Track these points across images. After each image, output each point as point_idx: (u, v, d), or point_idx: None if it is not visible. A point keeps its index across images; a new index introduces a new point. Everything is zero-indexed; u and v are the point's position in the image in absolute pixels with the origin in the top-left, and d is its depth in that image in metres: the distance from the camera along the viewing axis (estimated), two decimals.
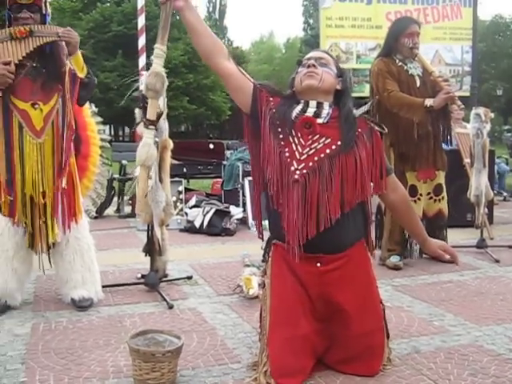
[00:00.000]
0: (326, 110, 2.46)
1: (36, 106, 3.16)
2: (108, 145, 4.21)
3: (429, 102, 4.10)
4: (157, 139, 3.44)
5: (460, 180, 5.54)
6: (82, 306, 3.30)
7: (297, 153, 2.38)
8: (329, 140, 2.39)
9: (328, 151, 2.37)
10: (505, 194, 8.73)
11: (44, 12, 3.24)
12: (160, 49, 2.99)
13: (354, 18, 9.25)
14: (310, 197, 2.32)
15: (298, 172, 2.35)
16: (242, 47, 51.55)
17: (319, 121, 2.43)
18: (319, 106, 2.45)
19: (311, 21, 43.73)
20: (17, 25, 3.16)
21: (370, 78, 4.45)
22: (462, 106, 4.24)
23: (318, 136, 2.40)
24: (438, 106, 4.11)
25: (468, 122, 5.03)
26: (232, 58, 2.52)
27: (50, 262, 3.44)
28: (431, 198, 4.40)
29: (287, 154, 2.38)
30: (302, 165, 2.36)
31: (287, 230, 2.34)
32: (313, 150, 2.38)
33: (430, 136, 4.27)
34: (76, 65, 3.25)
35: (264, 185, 2.49)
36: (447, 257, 2.62)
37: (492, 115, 4.73)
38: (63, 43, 3.22)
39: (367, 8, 9.31)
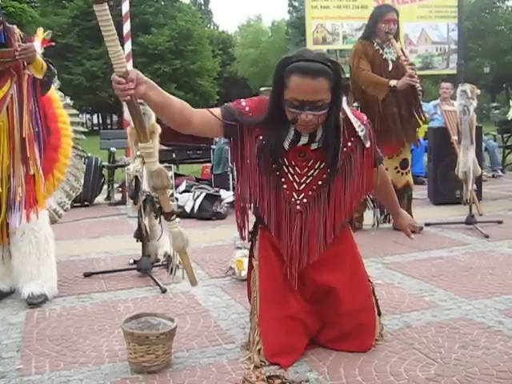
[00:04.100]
0: (319, 135, 2.33)
1: None
2: (84, 137, 4.01)
3: (393, 82, 4.53)
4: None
5: (448, 157, 5.59)
6: (32, 302, 3.14)
7: (295, 183, 2.38)
8: (323, 164, 2.36)
9: (324, 176, 2.37)
10: (499, 169, 8.73)
11: None
12: (147, 147, 2.43)
13: None
14: (310, 225, 2.38)
15: (298, 202, 2.38)
16: (228, 31, 51.38)
17: (313, 146, 2.34)
18: (311, 135, 2.32)
19: (296, 3, 43.48)
20: None
21: (350, 58, 4.84)
22: (421, 92, 4.59)
23: (312, 161, 2.37)
24: (401, 87, 4.52)
25: (455, 99, 5.06)
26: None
27: None
28: (398, 171, 4.82)
29: (285, 186, 2.38)
30: (302, 195, 2.39)
31: (288, 258, 2.40)
32: (310, 178, 2.38)
33: (395, 117, 4.61)
34: (34, 70, 3.13)
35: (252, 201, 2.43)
36: (412, 237, 2.77)
37: (478, 91, 4.76)
38: (14, 27, 3.18)
39: None
